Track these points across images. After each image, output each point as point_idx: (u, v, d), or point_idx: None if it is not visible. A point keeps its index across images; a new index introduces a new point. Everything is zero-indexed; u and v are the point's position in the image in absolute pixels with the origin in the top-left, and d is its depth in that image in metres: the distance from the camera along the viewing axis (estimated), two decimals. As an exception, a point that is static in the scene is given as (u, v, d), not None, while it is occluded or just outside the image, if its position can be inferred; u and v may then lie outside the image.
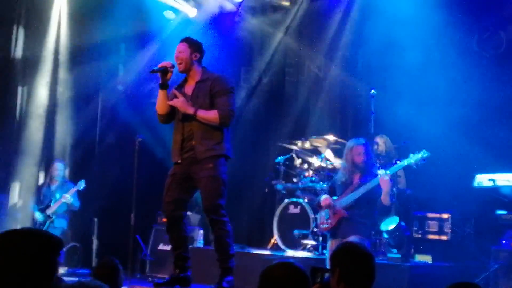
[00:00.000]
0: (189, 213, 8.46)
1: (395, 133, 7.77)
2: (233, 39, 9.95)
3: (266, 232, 8.63)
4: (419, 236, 7.22)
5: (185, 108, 5.11)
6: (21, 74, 9.34)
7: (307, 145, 8.22)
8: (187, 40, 5.32)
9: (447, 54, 7.73)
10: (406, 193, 7.53)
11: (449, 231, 7.03)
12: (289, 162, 8.39)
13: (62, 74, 9.54)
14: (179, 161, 5.18)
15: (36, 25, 9.37)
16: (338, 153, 8.14)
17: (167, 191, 5.23)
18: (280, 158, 8.31)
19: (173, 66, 5.22)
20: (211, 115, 5.07)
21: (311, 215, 7.48)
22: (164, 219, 8.51)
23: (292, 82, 9.93)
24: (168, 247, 8.08)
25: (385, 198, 5.97)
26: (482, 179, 6.66)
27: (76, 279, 7.60)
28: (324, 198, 6.32)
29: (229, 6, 9.67)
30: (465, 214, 7.29)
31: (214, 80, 5.21)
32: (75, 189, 8.53)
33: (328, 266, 3.02)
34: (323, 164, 7.86)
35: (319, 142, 8.09)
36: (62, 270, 7.96)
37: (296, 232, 7.51)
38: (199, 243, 8.36)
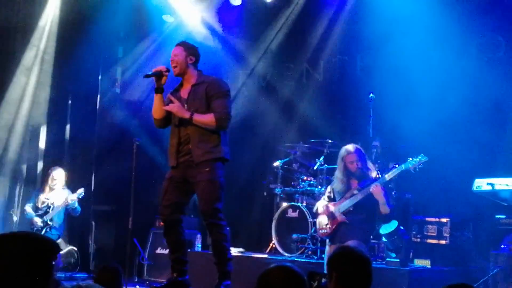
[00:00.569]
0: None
1: (394, 137, 7.76)
2: (232, 42, 9.95)
3: (264, 236, 8.61)
4: (418, 240, 7.20)
5: (181, 113, 5.10)
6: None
7: (306, 149, 8.21)
8: (183, 44, 5.32)
9: (446, 58, 7.72)
10: (405, 197, 7.51)
11: (448, 235, 7.01)
12: (287, 166, 8.38)
13: (58, 76, 9.51)
14: (175, 165, 5.16)
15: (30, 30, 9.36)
16: (335, 157, 8.14)
17: (164, 195, 5.22)
18: (279, 162, 8.29)
19: (168, 71, 5.21)
20: (207, 119, 5.06)
21: (310, 219, 7.46)
22: (162, 223, 8.54)
23: (291, 85, 9.92)
24: (166, 251, 8.06)
25: (383, 208, 5.94)
26: (481, 183, 6.64)
27: (74, 282, 7.61)
28: (320, 207, 6.33)
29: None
30: (464, 218, 7.27)
31: (209, 83, 5.20)
32: (75, 196, 8.38)
33: (325, 271, 2.99)
34: (322, 168, 7.86)
35: (318, 146, 8.08)
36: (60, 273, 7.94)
37: (294, 236, 7.49)
38: (197, 247, 8.33)
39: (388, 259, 6.73)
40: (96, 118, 9.79)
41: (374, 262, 6.60)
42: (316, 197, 8.05)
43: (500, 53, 7.73)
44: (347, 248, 3.00)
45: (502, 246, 6.24)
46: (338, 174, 6.29)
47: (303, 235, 7.44)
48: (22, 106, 9.31)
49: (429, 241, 7.14)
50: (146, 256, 8.42)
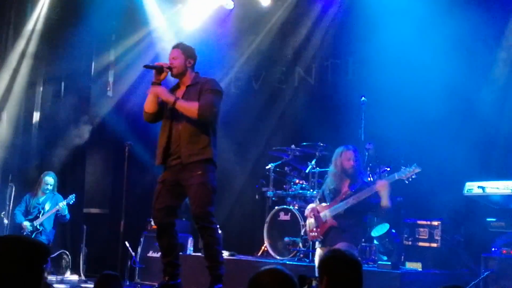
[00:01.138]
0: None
1: (386, 140, 7.78)
2: (224, 44, 9.96)
3: (256, 239, 8.61)
4: (409, 243, 7.22)
5: (165, 95, 5.11)
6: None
7: (298, 152, 8.22)
8: (181, 46, 5.31)
9: (438, 62, 7.74)
10: (397, 200, 7.53)
11: (439, 238, 7.03)
12: (279, 169, 8.39)
13: (49, 78, 9.50)
14: (164, 165, 5.15)
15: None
16: (327, 160, 8.15)
17: (157, 198, 5.21)
18: (271, 165, 8.30)
19: (169, 68, 5.19)
20: (190, 106, 5.03)
21: (302, 222, 7.46)
22: (154, 226, 8.52)
23: (283, 89, 9.93)
24: (158, 254, 8.04)
25: (384, 202, 5.91)
26: (472, 187, 6.67)
27: (65, 286, 7.59)
28: (310, 210, 6.32)
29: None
30: (455, 221, 7.30)
31: (203, 83, 5.21)
32: (65, 202, 8.40)
33: (316, 274, 3.00)
34: (314, 171, 7.87)
35: (310, 149, 8.09)
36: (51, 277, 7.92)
37: (286, 239, 7.50)
38: (189, 250, 8.32)
39: (379, 262, 6.74)
40: (88, 121, 9.79)
41: (365, 265, 6.62)
42: (308, 200, 8.07)
43: (491, 56, 7.75)
44: (338, 252, 3.01)
45: (493, 249, 6.26)
46: (332, 170, 6.30)
47: (294, 238, 7.45)
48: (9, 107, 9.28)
49: (421, 244, 7.15)
50: (138, 260, 8.39)
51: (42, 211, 8.38)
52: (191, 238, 8.42)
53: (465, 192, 6.76)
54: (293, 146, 8.29)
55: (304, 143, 8.13)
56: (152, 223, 8.49)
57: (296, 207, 7.78)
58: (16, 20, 9.31)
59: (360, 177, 6.20)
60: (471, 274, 6.47)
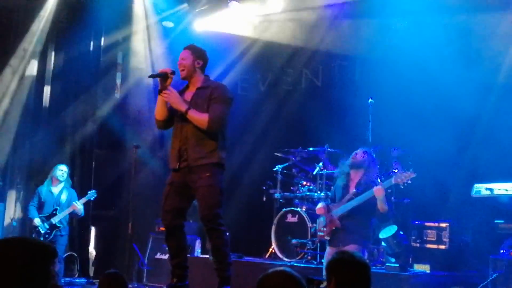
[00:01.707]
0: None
1: (393, 142, 7.77)
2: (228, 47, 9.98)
3: (264, 241, 8.61)
4: (417, 245, 7.20)
5: (178, 103, 5.10)
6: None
7: (305, 154, 8.21)
8: (191, 47, 5.31)
9: (445, 62, 7.72)
10: (404, 202, 7.52)
11: (447, 240, 7.01)
12: (287, 171, 8.38)
13: (56, 79, 9.55)
14: (177, 168, 5.15)
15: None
16: (334, 161, 8.15)
17: (165, 200, 5.21)
18: (278, 167, 8.30)
19: (173, 73, 5.19)
20: (201, 117, 5.04)
21: (309, 224, 7.46)
22: (162, 228, 8.54)
23: (290, 90, 9.93)
24: (166, 256, 8.07)
25: (380, 206, 5.91)
26: (480, 188, 6.65)
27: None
28: (319, 207, 6.32)
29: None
30: (463, 223, 7.28)
31: (214, 88, 5.20)
32: (86, 199, 8.31)
33: (324, 276, 2.99)
34: (321, 173, 7.86)
35: (317, 151, 8.08)
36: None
37: (294, 241, 7.49)
38: (197, 252, 8.33)
39: (387, 264, 6.73)
40: (96, 122, 9.83)
41: (373, 267, 6.61)
42: (316, 202, 8.05)
43: (498, 59, 7.72)
44: (347, 253, 3.00)
45: (502, 251, 6.24)
46: (343, 168, 6.33)
47: (302, 240, 7.45)
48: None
49: (429, 246, 7.13)
50: (146, 261, 8.41)
51: (58, 207, 8.20)
52: (199, 240, 8.43)
53: (473, 193, 6.75)
54: (300, 148, 8.29)
55: (311, 145, 8.11)
56: (160, 225, 8.51)
57: (304, 209, 7.78)
58: (24, 21, 9.34)
59: (369, 176, 6.15)
60: (479, 276, 6.44)
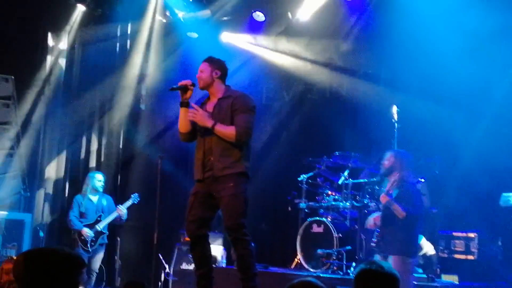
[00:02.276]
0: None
1: (420, 150, 7.70)
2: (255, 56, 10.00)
3: (289, 251, 8.57)
4: (445, 255, 7.12)
5: (204, 121, 5.11)
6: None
7: (330, 163, 8.17)
8: (208, 59, 5.34)
9: (474, 68, 7.63)
10: (431, 211, 7.43)
11: (476, 250, 6.92)
12: (312, 181, 8.34)
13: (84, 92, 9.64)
14: (201, 179, 5.16)
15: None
16: (360, 171, 8.10)
17: (190, 210, 5.21)
18: (303, 177, 8.26)
19: (193, 85, 5.23)
20: (228, 131, 5.06)
21: (335, 234, 7.41)
22: (187, 238, 8.54)
23: (314, 99, 9.91)
24: (191, 267, 8.07)
25: (397, 213, 5.77)
26: (509, 197, 6.56)
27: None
28: (372, 218, 6.26)
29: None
30: (492, 233, 7.17)
31: (236, 97, 5.21)
32: (130, 202, 8.34)
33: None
34: (346, 182, 7.81)
35: (343, 160, 8.03)
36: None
37: (319, 251, 7.44)
38: (222, 262, 8.32)
39: (415, 275, 6.64)
40: (121, 134, 9.91)
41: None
42: (341, 212, 8.02)
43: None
44: (375, 264, 2.95)
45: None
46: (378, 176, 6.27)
47: (328, 250, 7.39)
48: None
49: (457, 256, 7.05)
50: (171, 272, 8.41)
51: (102, 214, 8.22)
52: (224, 250, 8.41)
53: (502, 202, 6.65)
54: (325, 157, 8.25)
55: (337, 154, 8.06)
56: (185, 235, 8.52)
57: (329, 219, 7.73)
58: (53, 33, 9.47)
59: (401, 176, 5.92)
60: (509, 287, 6.33)
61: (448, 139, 7.57)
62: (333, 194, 8.05)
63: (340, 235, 7.43)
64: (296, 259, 8.02)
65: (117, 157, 9.89)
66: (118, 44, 9.86)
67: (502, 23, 7.35)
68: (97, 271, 8.19)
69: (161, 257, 8.18)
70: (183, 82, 5.25)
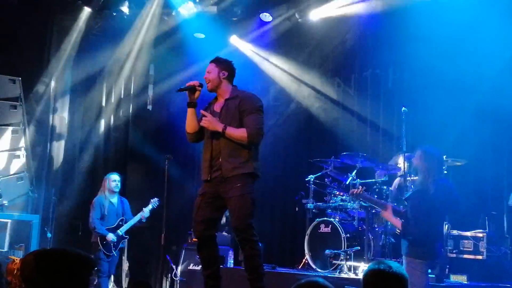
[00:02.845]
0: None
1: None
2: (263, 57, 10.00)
3: (297, 251, 8.56)
4: (454, 255, 7.07)
5: (214, 127, 5.10)
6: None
7: (338, 163, 8.15)
8: (215, 60, 5.33)
9: (480, 69, 7.60)
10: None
11: (484, 250, 6.88)
12: (319, 181, 8.32)
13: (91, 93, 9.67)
14: (209, 179, 5.15)
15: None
16: (368, 171, 8.07)
17: (197, 211, 5.20)
18: (310, 177, 8.24)
19: (201, 85, 5.22)
20: (239, 133, 5.05)
21: (343, 235, 7.39)
22: (195, 239, 8.55)
23: (323, 99, 9.89)
24: (199, 267, 8.07)
25: (394, 224, 5.71)
26: (517, 197, 6.53)
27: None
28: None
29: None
30: (500, 233, 7.14)
31: (243, 98, 5.20)
32: (151, 206, 8.22)
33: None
34: (354, 183, 7.79)
35: (351, 160, 8.01)
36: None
37: (327, 251, 7.42)
38: (229, 263, 8.31)
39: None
40: (129, 134, 9.93)
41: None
42: (349, 212, 8.00)
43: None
44: (383, 264, 2.94)
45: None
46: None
47: (336, 251, 7.36)
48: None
49: (466, 256, 7.00)
50: (179, 273, 8.42)
51: (123, 218, 8.11)
52: (232, 251, 8.41)
53: (511, 202, 6.62)
54: (333, 157, 8.23)
55: (345, 154, 8.04)
56: (193, 236, 8.52)
57: (337, 219, 7.71)
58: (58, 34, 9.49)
59: (424, 180, 5.59)
60: (518, 287, 6.31)
61: (457, 138, 7.54)
62: (341, 194, 8.03)
63: (348, 235, 7.41)
64: (303, 260, 8.00)
65: (125, 159, 9.91)
66: (124, 45, 9.87)
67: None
68: (114, 273, 8.10)
69: (169, 258, 8.18)
70: (191, 83, 5.24)
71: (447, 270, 6.91)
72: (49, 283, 2.39)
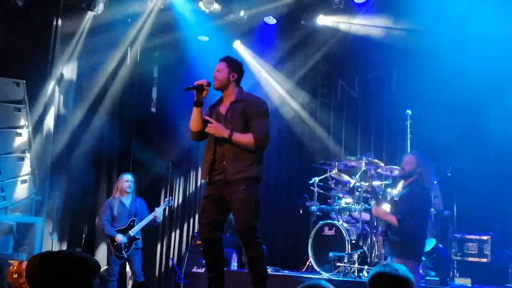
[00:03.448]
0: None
1: (432, 153, 7.65)
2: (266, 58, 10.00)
3: (301, 254, 8.55)
4: (458, 258, 7.06)
5: (220, 133, 5.07)
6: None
7: (342, 166, 8.14)
8: (227, 60, 5.27)
9: (482, 72, 7.59)
10: (444, 214, 7.39)
11: (489, 253, 6.86)
12: (323, 184, 8.32)
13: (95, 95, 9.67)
14: (209, 180, 5.15)
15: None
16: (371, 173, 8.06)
17: (202, 213, 5.18)
18: (314, 180, 8.23)
19: (209, 85, 5.17)
20: (246, 139, 5.03)
21: (347, 237, 7.37)
22: (199, 242, 8.54)
23: (326, 102, 9.89)
24: (202, 270, 8.06)
25: (388, 221, 5.72)
26: (522, 200, 6.52)
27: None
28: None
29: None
30: (505, 235, 7.12)
31: (248, 102, 5.17)
32: (164, 205, 8.08)
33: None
34: (358, 185, 7.78)
35: (355, 163, 8.00)
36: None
37: (331, 254, 7.40)
38: (233, 265, 8.30)
39: (427, 278, 6.61)
40: (132, 137, 9.93)
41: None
42: (353, 215, 7.98)
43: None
44: (389, 267, 2.93)
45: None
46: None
47: (340, 254, 7.35)
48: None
49: (470, 259, 6.99)
50: (182, 275, 8.41)
51: (135, 219, 7.88)
52: (235, 253, 8.39)
53: (515, 205, 6.61)
54: (336, 160, 8.22)
55: (348, 157, 8.04)
56: (197, 238, 8.52)
57: (341, 222, 7.70)
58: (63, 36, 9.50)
59: (414, 182, 5.71)
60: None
61: (461, 141, 7.52)
62: (345, 196, 8.02)
63: (352, 238, 7.40)
64: (307, 262, 7.99)
65: (128, 160, 9.91)
66: (128, 48, 9.88)
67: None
68: (141, 276, 7.85)
69: (172, 261, 8.17)
70: (199, 82, 5.19)
71: (451, 273, 6.90)
72: (53, 286, 2.39)
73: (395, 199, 5.95)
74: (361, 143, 9.04)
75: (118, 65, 9.78)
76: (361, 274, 7.12)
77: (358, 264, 7.18)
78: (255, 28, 9.74)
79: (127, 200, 8.02)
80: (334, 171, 8.16)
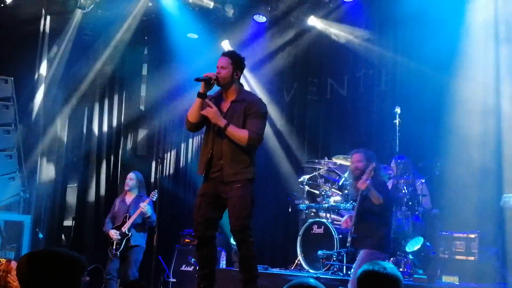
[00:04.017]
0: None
1: (420, 151, 7.69)
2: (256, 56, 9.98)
3: (289, 252, 8.56)
4: (446, 256, 7.07)
5: (217, 119, 5.04)
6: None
7: (331, 164, 8.17)
8: (230, 55, 5.21)
9: (472, 73, 7.62)
10: (432, 212, 7.42)
11: (476, 251, 6.88)
12: (312, 182, 8.33)
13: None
14: (206, 176, 5.14)
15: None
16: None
17: (197, 211, 5.17)
18: (303, 178, 8.25)
19: (216, 79, 5.11)
20: (240, 134, 5.01)
21: (335, 236, 7.39)
22: (187, 240, 8.54)
23: (315, 101, 9.90)
24: (191, 268, 8.07)
25: (375, 199, 5.78)
26: (509, 198, 6.54)
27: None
28: (344, 220, 6.26)
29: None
30: (492, 234, 7.15)
31: (249, 102, 5.14)
32: (148, 200, 7.76)
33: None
34: (347, 183, 7.80)
35: (343, 161, 8.02)
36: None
37: (320, 252, 7.42)
38: (222, 264, 8.31)
39: (415, 276, 6.64)
40: (121, 134, 9.91)
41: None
42: (342, 213, 8.01)
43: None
44: (378, 265, 2.94)
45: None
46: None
47: (328, 252, 7.37)
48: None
49: (457, 257, 7.00)
50: (171, 273, 8.40)
51: (128, 215, 7.72)
52: (224, 251, 8.40)
53: (502, 203, 6.64)
54: (325, 158, 8.24)
55: (337, 155, 8.06)
56: (185, 237, 8.53)
57: (330, 220, 7.72)
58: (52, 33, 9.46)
59: (376, 172, 5.92)
60: (510, 288, 6.32)
61: (449, 140, 7.55)
62: (334, 195, 8.04)
63: (341, 236, 7.41)
64: (296, 260, 8.01)
65: (116, 157, 9.89)
66: (117, 46, 9.84)
67: None
68: (136, 274, 7.64)
69: (161, 259, 8.15)
70: (209, 74, 5.10)
71: (439, 271, 6.93)
72: (41, 284, 2.40)
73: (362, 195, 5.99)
74: (350, 142, 9.05)
75: (106, 62, 9.76)
76: (349, 272, 7.14)
77: (347, 262, 7.19)
78: (245, 26, 9.74)
79: (130, 198, 7.96)
80: (323, 170, 8.18)
